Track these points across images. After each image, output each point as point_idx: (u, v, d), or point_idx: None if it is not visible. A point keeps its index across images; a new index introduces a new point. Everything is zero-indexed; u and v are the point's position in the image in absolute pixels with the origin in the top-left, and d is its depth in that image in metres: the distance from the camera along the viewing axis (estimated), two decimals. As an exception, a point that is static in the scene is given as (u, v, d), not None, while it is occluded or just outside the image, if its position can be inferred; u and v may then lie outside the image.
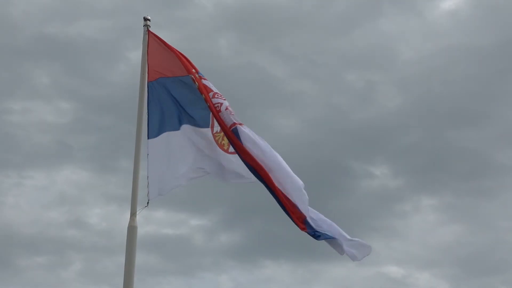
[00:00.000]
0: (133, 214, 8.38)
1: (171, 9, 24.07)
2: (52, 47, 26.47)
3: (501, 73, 27.57)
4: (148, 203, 8.44)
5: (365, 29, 28.54)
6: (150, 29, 9.14)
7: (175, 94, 8.98)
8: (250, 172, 8.52)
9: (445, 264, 25.85)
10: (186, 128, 8.94)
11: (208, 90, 8.75)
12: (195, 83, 8.81)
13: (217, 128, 8.87)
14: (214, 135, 8.93)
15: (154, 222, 25.07)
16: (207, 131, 8.95)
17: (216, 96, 8.71)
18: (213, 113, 8.65)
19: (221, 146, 8.89)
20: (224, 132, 8.59)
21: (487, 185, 27.30)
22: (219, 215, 26.24)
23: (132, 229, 8.34)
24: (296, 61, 28.14)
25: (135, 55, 23.66)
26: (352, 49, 28.19)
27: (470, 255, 25.78)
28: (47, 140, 26.69)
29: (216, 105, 8.64)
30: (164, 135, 8.84)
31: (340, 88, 28.07)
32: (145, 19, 9.13)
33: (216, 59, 25.84)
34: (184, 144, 8.90)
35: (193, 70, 8.88)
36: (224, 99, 8.72)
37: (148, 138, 8.70)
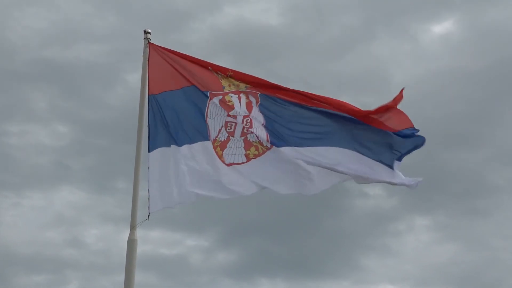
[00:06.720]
0: (133, 228, 8.36)
1: (168, 32, 24.30)
2: (49, 70, 26.65)
3: (493, 95, 27.88)
4: (148, 216, 8.39)
5: (358, 52, 28.88)
6: (150, 42, 9.08)
7: (178, 109, 8.86)
8: (247, 186, 8.54)
9: (439, 283, 25.92)
10: (184, 148, 8.77)
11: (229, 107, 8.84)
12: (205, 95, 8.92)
13: (214, 134, 8.77)
14: (214, 146, 8.77)
15: (150, 241, 25.18)
16: (208, 144, 8.76)
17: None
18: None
19: (220, 157, 8.71)
20: None
21: (480, 205, 27.48)
22: (216, 235, 26.39)
23: (132, 243, 8.28)
24: (291, 84, 28.38)
25: (133, 77, 23.85)
26: (346, 73, 28.50)
27: (464, 274, 25.88)
28: (45, 161, 26.88)
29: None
30: (160, 150, 8.72)
31: (335, 110, 28.24)
32: (145, 32, 9.13)
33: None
34: (175, 163, 8.70)
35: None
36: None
37: (148, 151, 8.64)
